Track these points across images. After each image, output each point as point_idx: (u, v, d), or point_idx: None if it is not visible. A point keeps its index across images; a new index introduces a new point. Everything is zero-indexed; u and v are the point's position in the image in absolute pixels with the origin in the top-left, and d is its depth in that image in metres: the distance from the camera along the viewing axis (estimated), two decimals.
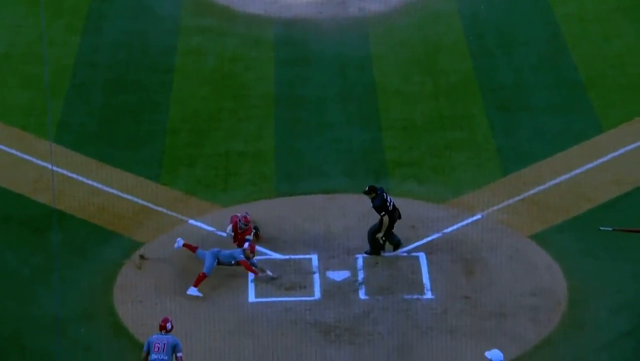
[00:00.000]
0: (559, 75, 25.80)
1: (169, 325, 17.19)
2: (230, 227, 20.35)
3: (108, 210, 21.74)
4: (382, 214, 20.10)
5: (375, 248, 20.26)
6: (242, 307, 19.31)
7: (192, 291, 19.47)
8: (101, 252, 20.67)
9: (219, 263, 19.73)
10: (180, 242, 20.11)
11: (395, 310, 19.18)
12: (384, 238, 20.16)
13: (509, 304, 19.17)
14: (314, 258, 20.40)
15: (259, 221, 21.11)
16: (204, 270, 19.64)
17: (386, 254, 20.44)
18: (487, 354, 16.18)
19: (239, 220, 20.22)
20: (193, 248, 20.07)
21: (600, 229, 20.20)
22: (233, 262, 19.74)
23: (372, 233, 20.25)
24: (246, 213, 20.41)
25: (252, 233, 20.27)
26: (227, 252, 19.82)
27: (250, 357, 18.23)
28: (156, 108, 24.97)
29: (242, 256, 19.71)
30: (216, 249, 19.86)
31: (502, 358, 16.10)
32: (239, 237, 20.19)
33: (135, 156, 23.39)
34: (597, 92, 25.10)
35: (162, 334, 17.13)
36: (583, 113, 24.46)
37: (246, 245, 19.83)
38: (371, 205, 20.20)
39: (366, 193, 20.30)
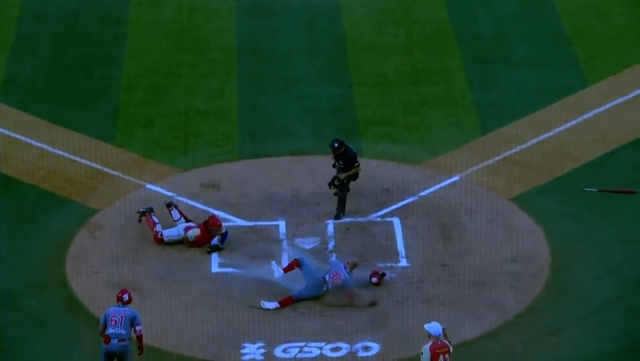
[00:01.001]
0: (542, 25, 25.74)
1: (125, 297, 16.94)
2: (194, 232, 19.37)
3: (59, 174, 21.51)
4: (356, 165, 20.00)
5: (341, 204, 20.11)
6: (205, 278, 19.19)
7: (270, 305, 18.34)
8: (52, 219, 20.47)
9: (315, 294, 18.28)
10: (279, 271, 18.37)
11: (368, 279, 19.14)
12: (345, 180, 19.97)
13: (488, 271, 19.21)
14: (281, 224, 20.29)
15: (222, 185, 20.93)
16: (294, 294, 18.39)
17: (359, 219, 20.40)
18: (426, 326, 16.41)
19: (211, 228, 19.34)
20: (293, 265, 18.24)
21: (584, 190, 20.28)
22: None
23: (341, 194, 20.18)
24: (206, 216, 19.39)
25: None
26: (336, 281, 18.34)
27: (215, 331, 18.13)
28: (109, 63, 24.70)
29: (352, 287, 18.37)
30: (320, 279, 18.27)
31: (440, 332, 16.36)
32: (207, 239, 19.44)
33: (88, 115, 23.15)
34: (581, 43, 25.09)
35: (119, 306, 16.92)
36: (567, 67, 24.47)
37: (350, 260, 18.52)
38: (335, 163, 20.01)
39: (336, 149, 20.08)
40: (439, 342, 16.32)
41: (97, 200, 20.84)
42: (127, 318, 16.79)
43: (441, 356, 16.28)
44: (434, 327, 16.40)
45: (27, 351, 17.83)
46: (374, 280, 18.75)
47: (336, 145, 20.11)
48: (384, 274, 18.82)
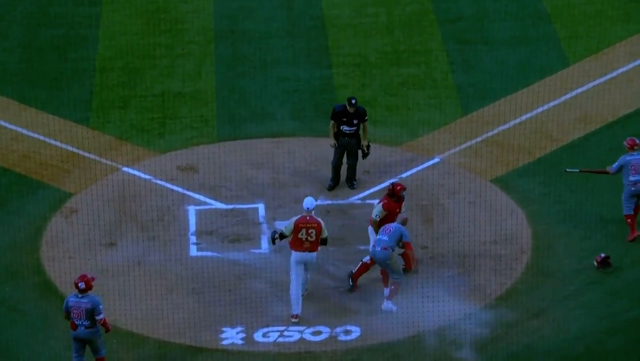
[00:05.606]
0: (522, 4, 25.84)
1: (81, 285, 16.33)
2: (380, 208, 18.23)
3: (32, 157, 21.50)
4: (366, 119, 20.32)
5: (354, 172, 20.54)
6: (182, 262, 19.28)
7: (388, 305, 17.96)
8: (26, 204, 20.48)
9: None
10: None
11: (349, 261, 19.26)
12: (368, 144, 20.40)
13: (469, 253, 19.37)
14: (261, 207, 20.39)
15: (200, 168, 20.97)
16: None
17: (339, 201, 20.51)
18: (304, 202, 17.30)
19: (401, 195, 18.28)
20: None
21: (566, 171, 20.46)
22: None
23: (355, 163, 20.35)
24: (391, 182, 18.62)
25: None
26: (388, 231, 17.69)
27: (193, 316, 18.23)
28: (83, 44, 24.66)
29: (408, 237, 17.79)
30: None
31: (310, 206, 17.19)
32: (395, 206, 18.46)
33: (62, 97, 23.12)
34: (562, 22, 25.21)
35: (77, 297, 16.43)
36: (548, 46, 24.60)
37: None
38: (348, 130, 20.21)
39: (355, 104, 20.15)
40: (308, 217, 16.95)
41: (72, 184, 20.87)
42: (87, 311, 16.44)
43: (303, 230, 16.94)
44: (307, 201, 17.28)
45: (2, 339, 17.85)
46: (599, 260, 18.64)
47: (354, 101, 20.21)
48: (606, 259, 18.70)
